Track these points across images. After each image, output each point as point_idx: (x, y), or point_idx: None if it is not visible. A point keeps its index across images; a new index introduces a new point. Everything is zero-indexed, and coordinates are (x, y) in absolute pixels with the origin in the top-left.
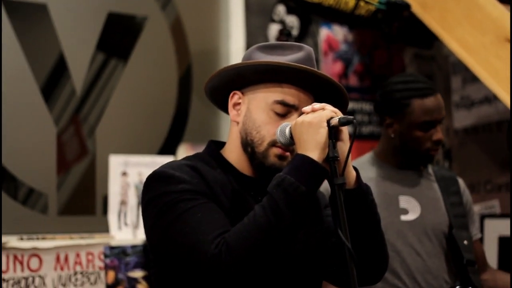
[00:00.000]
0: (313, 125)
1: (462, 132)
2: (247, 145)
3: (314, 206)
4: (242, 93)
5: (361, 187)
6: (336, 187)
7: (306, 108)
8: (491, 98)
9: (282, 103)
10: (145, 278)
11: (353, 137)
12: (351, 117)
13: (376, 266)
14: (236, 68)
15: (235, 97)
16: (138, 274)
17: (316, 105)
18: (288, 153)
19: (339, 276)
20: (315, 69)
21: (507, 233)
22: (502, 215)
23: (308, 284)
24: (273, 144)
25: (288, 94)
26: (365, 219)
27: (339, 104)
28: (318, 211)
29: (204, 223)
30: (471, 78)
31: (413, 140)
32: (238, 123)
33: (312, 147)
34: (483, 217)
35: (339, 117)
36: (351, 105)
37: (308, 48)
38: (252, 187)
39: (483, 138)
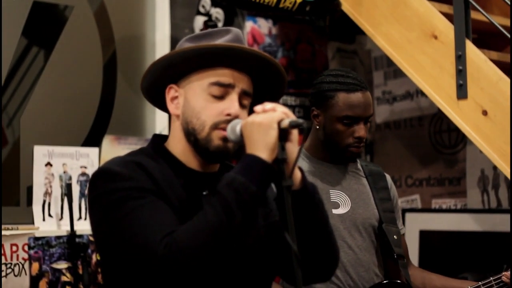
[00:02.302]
0: (263, 126)
1: (384, 127)
2: (190, 135)
3: (264, 200)
4: (178, 86)
5: (306, 188)
6: (284, 189)
7: (257, 108)
8: (413, 94)
9: (217, 84)
10: (69, 269)
11: (303, 142)
12: (302, 120)
13: (327, 263)
14: (165, 59)
15: (171, 92)
16: (62, 265)
17: (268, 105)
18: None
19: (291, 272)
20: (245, 46)
21: (428, 227)
22: (423, 209)
23: (261, 279)
24: (215, 127)
25: (222, 74)
26: (313, 218)
27: (277, 79)
28: (267, 204)
29: (152, 222)
30: (393, 73)
31: (334, 133)
32: (178, 116)
33: (262, 148)
34: (404, 211)
35: (290, 119)
36: None
37: (235, 29)
38: (199, 181)
39: (404, 133)
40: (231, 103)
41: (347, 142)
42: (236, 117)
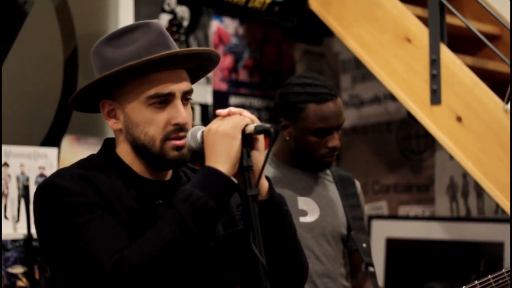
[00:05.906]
0: (229, 136)
1: (351, 132)
2: (140, 150)
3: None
4: (112, 99)
5: (274, 198)
6: (250, 199)
7: (221, 112)
8: (380, 98)
9: (156, 96)
10: (25, 274)
11: (270, 146)
12: (268, 125)
13: (295, 277)
14: (99, 82)
15: (106, 106)
16: (18, 270)
17: (233, 109)
18: (184, 141)
19: (255, 283)
20: (173, 50)
21: (395, 234)
22: (389, 217)
23: None
24: (166, 139)
25: (158, 83)
26: (279, 230)
27: (211, 62)
28: (229, 211)
29: (99, 240)
30: (360, 77)
31: (307, 145)
32: (120, 130)
33: (223, 160)
34: (370, 218)
35: (255, 125)
36: (240, 100)
37: (155, 24)
38: (152, 190)
39: (371, 138)
40: (176, 111)
41: (321, 153)
42: (185, 124)
